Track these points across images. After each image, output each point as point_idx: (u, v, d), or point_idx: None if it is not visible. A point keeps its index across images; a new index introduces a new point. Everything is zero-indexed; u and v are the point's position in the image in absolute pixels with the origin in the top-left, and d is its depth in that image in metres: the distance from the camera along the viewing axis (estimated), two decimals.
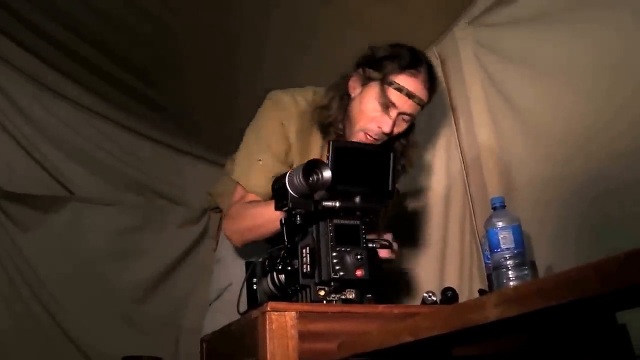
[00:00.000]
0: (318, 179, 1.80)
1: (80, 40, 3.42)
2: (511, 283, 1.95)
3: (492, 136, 2.63)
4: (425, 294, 2.03)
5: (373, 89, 2.27)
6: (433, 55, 2.94)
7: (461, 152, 2.77)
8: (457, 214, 2.79)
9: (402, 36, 2.94)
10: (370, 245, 1.89)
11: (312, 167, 1.80)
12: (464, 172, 2.74)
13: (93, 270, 3.97)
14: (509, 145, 2.55)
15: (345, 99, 2.35)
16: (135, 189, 4.30)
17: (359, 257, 1.79)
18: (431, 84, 2.30)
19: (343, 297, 1.81)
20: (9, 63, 3.77)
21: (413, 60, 2.27)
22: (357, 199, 1.88)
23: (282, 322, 1.64)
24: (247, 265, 2.03)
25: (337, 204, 1.84)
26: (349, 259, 1.79)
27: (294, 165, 2.29)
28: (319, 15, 2.99)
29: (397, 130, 2.28)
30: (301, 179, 1.78)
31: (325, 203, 1.83)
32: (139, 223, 4.22)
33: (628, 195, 2.00)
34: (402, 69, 2.24)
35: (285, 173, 1.85)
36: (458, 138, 2.80)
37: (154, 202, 4.36)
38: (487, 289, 2.22)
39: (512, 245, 1.98)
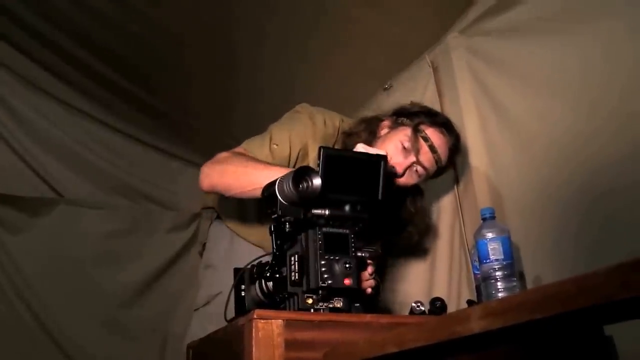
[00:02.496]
0: (308, 186, 1.80)
1: (73, 41, 3.41)
2: (500, 294, 1.95)
3: (483, 145, 2.63)
4: (413, 304, 2.03)
5: (401, 132, 2.32)
6: (425, 63, 2.94)
7: None
8: (447, 224, 2.79)
9: (396, 43, 2.96)
10: (359, 254, 1.89)
11: (302, 174, 1.80)
12: (455, 181, 2.74)
13: (81, 273, 3.95)
14: (499, 155, 2.55)
15: (372, 135, 2.39)
16: (125, 192, 4.29)
17: (347, 265, 1.79)
18: (453, 153, 2.38)
19: (331, 305, 1.80)
20: (0, 64, 3.76)
21: (446, 123, 2.37)
22: (347, 208, 1.88)
23: (268, 330, 1.63)
24: (236, 272, 2.02)
25: (327, 212, 1.84)
26: (337, 267, 1.79)
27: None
28: (317, 22, 2.99)
29: (406, 179, 2.30)
30: (291, 187, 1.78)
31: (315, 211, 1.83)
32: (128, 227, 4.20)
33: (617, 205, 2.00)
34: (434, 124, 2.33)
35: (275, 180, 1.85)
36: None
37: (144, 206, 4.35)
38: (475, 299, 2.22)
39: (502, 257, 1.99)
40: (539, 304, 0.93)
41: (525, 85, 2.45)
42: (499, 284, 1.97)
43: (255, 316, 1.63)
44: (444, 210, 2.82)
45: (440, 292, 2.67)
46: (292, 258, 1.80)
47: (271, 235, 1.85)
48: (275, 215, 1.82)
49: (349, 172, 1.90)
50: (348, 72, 3.24)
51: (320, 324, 1.70)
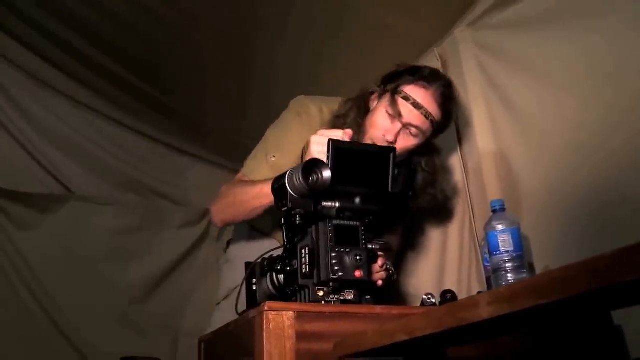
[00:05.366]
0: (318, 178, 1.80)
1: (83, 39, 3.43)
2: None
3: (492, 139, 2.63)
4: (424, 296, 2.03)
5: (385, 99, 2.29)
6: (434, 57, 2.94)
7: (461, 155, 2.77)
8: (457, 216, 2.79)
9: (405, 37, 2.96)
10: (369, 246, 1.89)
11: (312, 167, 1.81)
12: (464, 174, 2.74)
13: (92, 270, 3.95)
14: (508, 148, 2.55)
15: (362, 112, 2.37)
16: (136, 189, 4.30)
17: (358, 258, 1.80)
18: (445, 101, 2.30)
19: (342, 297, 1.81)
20: (8, 61, 3.77)
21: (428, 75, 2.29)
22: (357, 200, 1.89)
23: (279, 322, 1.64)
24: (247, 265, 2.03)
25: (337, 205, 1.85)
26: (348, 259, 1.79)
27: None
28: (326, 18, 2.99)
29: (403, 143, 2.27)
30: (301, 179, 1.79)
31: (325, 203, 1.84)
32: (139, 223, 4.20)
33: (626, 196, 2.00)
34: (415, 80, 2.27)
35: (285, 172, 1.86)
36: (458, 140, 2.79)
37: (154, 202, 4.36)
38: (486, 291, 2.22)
39: (512, 248, 1.99)
40: (546, 288, 0.93)
41: (533, 79, 2.45)
42: (509, 275, 1.97)
43: (266, 308, 1.64)
44: (454, 203, 2.81)
45: (450, 284, 2.67)
46: (303, 251, 1.81)
47: (282, 228, 1.87)
48: (286, 208, 1.83)
49: (359, 164, 1.90)
50: (357, 66, 3.24)
51: (331, 315, 1.71)
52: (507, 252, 1.99)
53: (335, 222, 1.83)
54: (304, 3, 2.96)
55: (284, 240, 1.87)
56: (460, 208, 2.78)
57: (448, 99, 2.32)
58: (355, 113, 2.36)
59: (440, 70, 2.33)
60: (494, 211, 2.08)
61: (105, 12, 3.16)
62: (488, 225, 2.06)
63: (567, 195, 2.24)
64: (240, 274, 2.44)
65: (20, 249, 3.79)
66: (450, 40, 2.90)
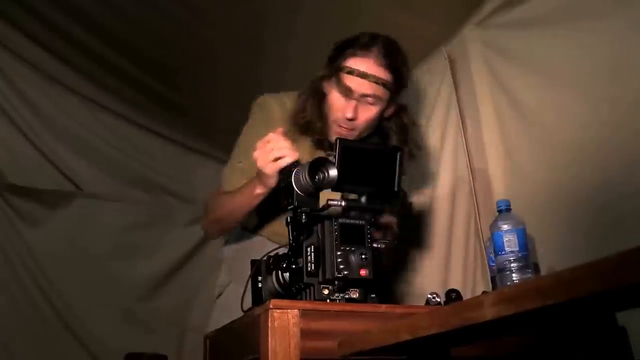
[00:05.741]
0: (324, 177, 1.81)
1: (93, 36, 3.44)
2: None
3: (499, 138, 2.63)
4: (429, 295, 2.03)
5: (333, 80, 2.28)
6: (442, 56, 2.94)
7: (468, 154, 2.77)
8: (463, 216, 2.79)
9: (413, 36, 2.95)
10: (375, 245, 1.89)
11: (318, 165, 1.81)
12: (470, 174, 2.74)
13: (99, 266, 3.98)
14: (515, 147, 2.55)
15: (318, 100, 2.35)
16: (144, 185, 4.31)
17: (363, 256, 1.79)
18: (389, 60, 2.25)
19: (347, 296, 1.80)
20: (20, 58, 3.79)
21: (364, 42, 2.25)
22: (363, 199, 1.89)
23: (284, 320, 1.64)
24: (252, 263, 2.04)
25: (343, 203, 1.85)
26: (353, 258, 1.79)
27: None
28: (335, 16, 2.99)
29: (364, 114, 2.26)
30: (307, 178, 1.79)
31: (331, 202, 1.84)
32: (147, 220, 4.22)
33: (631, 197, 2.00)
34: (353, 53, 2.24)
35: (292, 171, 1.86)
36: (465, 140, 2.79)
37: (162, 199, 4.37)
38: (490, 291, 2.22)
39: (517, 249, 1.99)
40: (551, 289, 0.93)
41: (541, 78, 2.45)
42: (514, 275, 1.97)
43: (271, 306, 1.64)
44: (460, 203, 2.82)
45: (456, 283, 2.67)
46: (308, 249, 1.81)
47: (287, 226, 1.87)
48: (292, 206, 1.84)
49: (365, 163, 1.90)
50: None
51: (335, 314, 1.71)
52: (512, 252, 2.00)
53: (340, 220, 1.83)
54: (313, 1, 2.96)
55: (289, 239, 1.87)
56: (466, 207, 2.78)
57: (391, 56, 2.27)
58: (312, 104, 2.34)
59: (381, 34, 2.29)
60: (499, 211, 2.08)
61: (116, 9, 3.17)
62: (493, 226, 2.07)
63: (573, 194, 2.24)
64: (232, 270, 2.51)
65: (29, 244, 3.82)
66: (459, 40, 2.90)
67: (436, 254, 2.89)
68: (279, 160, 1.98)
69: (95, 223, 4.06)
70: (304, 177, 1.80)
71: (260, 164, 2.01)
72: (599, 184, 2.12)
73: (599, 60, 2.19)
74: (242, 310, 1.97)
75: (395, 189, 1.93)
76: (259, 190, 2.12)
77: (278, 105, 2.42)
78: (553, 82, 2.39)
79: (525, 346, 1.68)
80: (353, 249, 1.80)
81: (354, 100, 2.24)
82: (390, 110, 2.36)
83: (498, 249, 2.03)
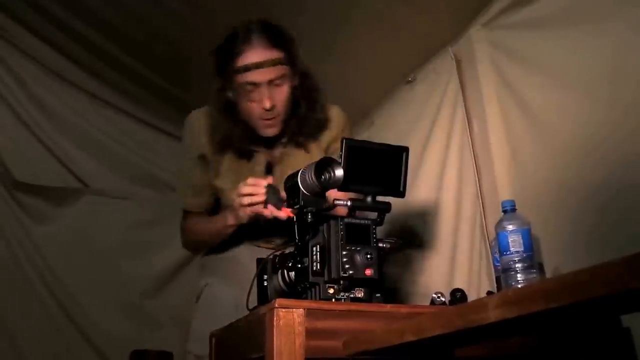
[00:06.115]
0: (330, 177, 1.82)
1: (100, 34, 3.46)
2: (519, 285, 1.96)
3: (505, 139, 2.63)
4: (434, 295, 2.04)
5: (233, 86, 2.31)
6: (449, 56, 2.95)
7: (473, 154, 2.77)
8: (468, 215, 2.79)
9: (419, 36, 2.96)
10: (380, 244, 1.90)
11: (325, 165, 1.82)
12: (476, 174, 2.74)
13: (106, 263, 4.00)
14: (521, 148, 2.55)
15: (231, 111, 2.39)
16: (150, 183, 4.32)
17: (368, 256, 1.79)
18: (272, 39, 2.29)
19: (352, 295, 1.81)
20: (28, 55, 3.80)
21: (243, 36, 2.28)
22: (369, 198, 1.90)
23: (289, 319, 1.64)
24: (258, 261, 2.05)
25: (349, 203, 1.86)
26: (358, 258, 1.79)
27: (220, 174, 2.47)
28: (343, 15, 3.00)
29: (280, 97, 2.30)
30: (313, 177, 1.80)
31: (337, 201, 1.85)
32: (153, 217, 4.23)
33: (636, 198, 2.00)
34: (239, 51, 2.26)
35: (298, 171, 1.87)
36: (471, 139, 2.79)
37: (169, 196, 4.36)
38: (495, 290, 2.23)
39: (522, 249, 1.99)
40: (554, 293, 0.94)
41: (547, 79, 2.44)
42: (518, 275, 1.98)
43: (276, 305, 1.64)
44: (465, 202, 2.82)
45: (460, 283, 2.67)
46: (314, 248, 1.82)
47: (294, 225, 1.88)
48: (298, 206, 1.85)
49: (371, 163, 1.91)
50: (371, 65, 3.24)
51: (341, 313, 1.71)
52: (517, 252, 2.00)
53: (346, 220, 1.83)
54: (317, 1, 2.97)
55: (295, 238, 1.88)
56: (471, 207, 2.78)
57: (272, 34, 2.31)
58: (226, 118, 2.39)
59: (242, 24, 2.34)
60: (504, 211, 2.08)
61: (124, 8, 3.18)
62: (499, 226, 2.07)
63: (579, 195, 2.24)
64: (205, 273, 2.67)
65: (36, 241, 3.84)
66: (465, 40, 2.90)
67: (441, 253, 2.90)
68: (253, 207, 2.12)
69: (102, 220, 4.07)
70: (310, 177, 1.81)
71: (236, 204, 2.16)
72: (604, 184, 2.12)
73: (605, 61, 2.18)
74: (248, 309, 1.98)
75: (401, 188, 1.93)
76: (231, 221, 2.27)
77: (197, 120, 2.48)
78: (559, 82, 2.38)
79: (529, 347, 1.68)
80: (359, 248, 1.80)
81: (262, 91, 2.26)
82: (296, 80, 2.38)
83: (503, 249, 2.03)
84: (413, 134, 3.15)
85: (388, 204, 1.92)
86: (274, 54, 2.26)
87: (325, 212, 1.85)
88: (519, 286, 1.95)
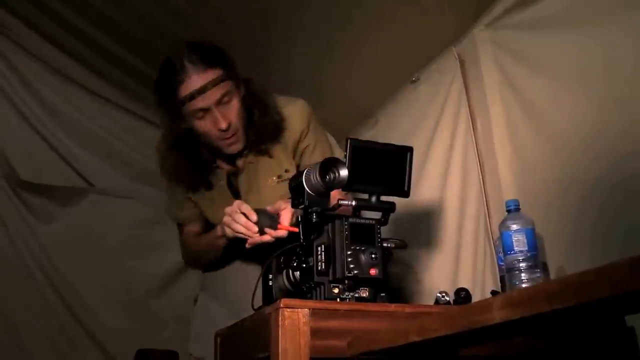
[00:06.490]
0: (335, 177, 1.83)
1: (103, 32, 3.46)
2: (523, 285, 1.97)
3: (509, 139, 2.63)
4: (438, 294, 2.04)
5: (184, 117, 2.31)
6: (452, 56, 2.94)
7: (477, 154, 2.77)
8: (472, 215, 2.79)
9: (423, 36, 2.96)
10: (385, 244, 1.90)
11: (329, 165, 1.83)
12: (480, 173, 2.74)
13: (111, 262, 4.00)
14: (524, 147, 2.55)
15: (188, 143, 2.42)
16: (155, 182, 4.30)
17: (373, 256, 1.80)
18: (205, 60, 2.27)
19: (357, 295, 1.82)
20: (31, 54, 3.81)
21: (177, 67, 2.25)
22: (373, 198, 1.90)
23: (294, 319, 1.65)
24: (264, 261, 2.06)
25: (354, 203, 1.87)
26: (363, 257, 1.80)
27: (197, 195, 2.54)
28: (348, 15, 2.99)
29: (231, 113, 2.30)
30: (318, 177, 1.81)
31: (342, 201, 1.85)
32: (158, 216, 4.20)
33: None
34: (178, 82, 2.24)
35: (302, 171, 1.88)
36: (475, 139, 2.79)
37: None
38: (499, 290, 2.24)
39: (526, 248, 2.00)
40: (559, 294, 0.94)
41: (551, 79, 2.44)
42: (522, 274, 1.98)
43: (281, 305, 1.66)
44: (469, 202, 2.82)
45: (465, 282, 2.68)
46: (319, 248, 1.83)
47: (299, 225, 1.89)
48: (303, 206, 1.85)
49: (375, 163, 1.91)
50: (375, 65, 3.24)
51: (345, 313, 1.72)
52: (521, 252, 2.00)
53: (351, 220, 1.84)
54: (322, 1, 2.97)
55: (300, 238, 1.89)
56: (475, 206, 2.78)
57: (204, 54, 2.28)
58: (175, 154, 2.46)
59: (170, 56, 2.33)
60: (508, 211, 2.09)
61: (127, 5, 3.19)
62: (502, 225, 2.07)
63: (582, 194, 2.24)
64: (200, 279, 2.80)
65: (41, 240, 3.84)
66: (469, 40, 2.89)
67: (445, 252, 2.89)
68: (253, 240, 2.15)
69: (107, 219, 4.07)
70: (315, 177, 1.82)
71: (224, 222, 2.19)
72: (608, 183, 2.12)
73: (609, 60, 2.18)
74: (253, 309, 1.99)
75: (406, 188, 1.94)
76: (220, 232, 2.30)
77: (161, 140, 2.55)
78: (563, 82, 2.38)
79: (533, 347, 1.68)
80: (363, 248, 1.81)
81: (212, 113, 2.26)
82: (242, 90, 2.38)
83: (507, 249, 2.04)
84: (417, 133, 3.15)
85: (392, 204, 1.92)
86: (213, 74, 2.25)
87: (330, 211, 1.86)
88: (523, 286, 1.96)
